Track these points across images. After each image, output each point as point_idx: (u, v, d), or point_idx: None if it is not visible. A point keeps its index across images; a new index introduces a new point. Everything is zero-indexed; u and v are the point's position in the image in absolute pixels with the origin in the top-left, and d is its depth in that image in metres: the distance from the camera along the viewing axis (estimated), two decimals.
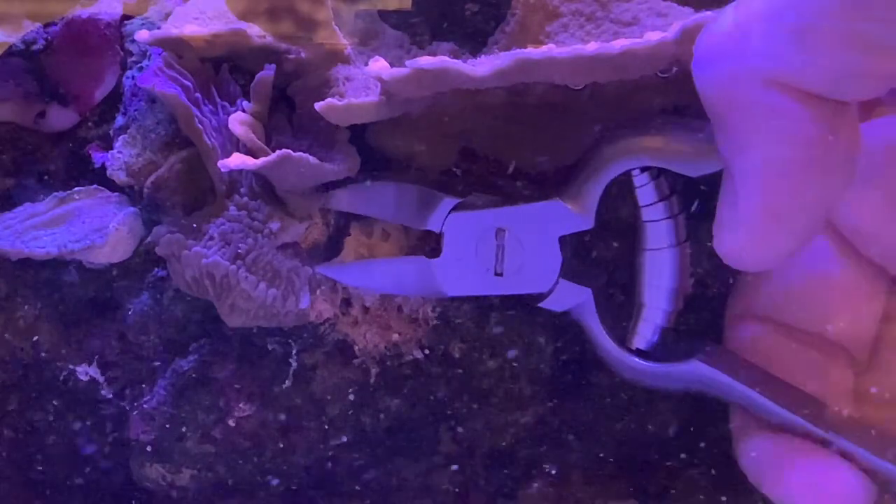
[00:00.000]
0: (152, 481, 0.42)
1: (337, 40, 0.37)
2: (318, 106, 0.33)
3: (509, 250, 0.34)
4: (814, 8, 0.23)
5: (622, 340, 0.34)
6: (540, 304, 0.35)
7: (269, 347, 0.39)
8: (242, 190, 0.37)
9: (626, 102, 0.33)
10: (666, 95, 0.33)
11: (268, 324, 0.37)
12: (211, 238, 0.36)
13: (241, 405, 0.40)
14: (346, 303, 0.38)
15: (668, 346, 0.34)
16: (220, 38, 0.36)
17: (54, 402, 0.42)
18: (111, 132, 0.39)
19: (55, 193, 0.39)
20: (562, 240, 0.34)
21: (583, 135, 0.35)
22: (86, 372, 0.41)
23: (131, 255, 0.38)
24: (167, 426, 0.40)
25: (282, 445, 0.41)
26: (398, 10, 0.38)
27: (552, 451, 0.42)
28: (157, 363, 0.41)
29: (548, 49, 0.29)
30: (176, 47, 0.36)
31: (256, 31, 0.36)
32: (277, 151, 0.33)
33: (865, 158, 0.26)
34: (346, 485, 0.43)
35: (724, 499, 0.42)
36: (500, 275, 0.35)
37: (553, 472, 0.43)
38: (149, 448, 0.41)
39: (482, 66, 0.30)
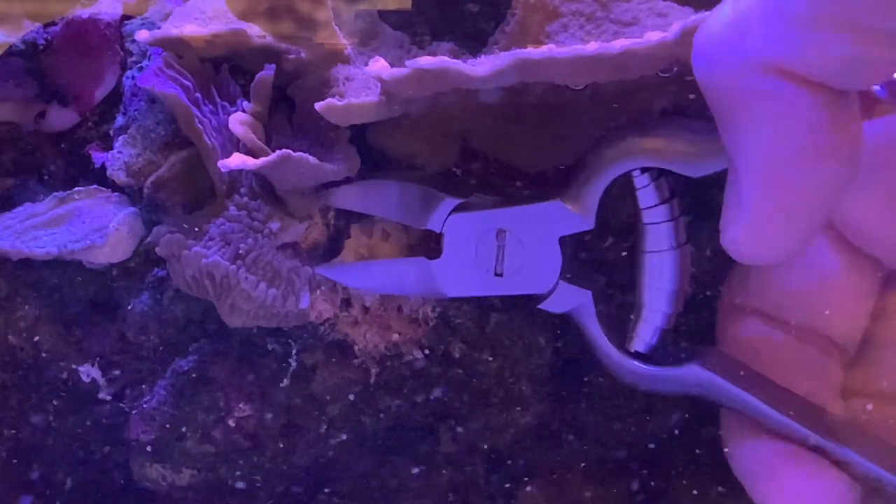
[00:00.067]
0: (152, 481, 0.42)
1: (337, 40, 0.37)
2: (318, 106, 0.33)
3: (510, 251, 0.34)
4: None
5: (621, 343, 0.34)
6: (540, 306, 0.35)
7: (269, 347, 0.39)
8: (242, 190, 0.37)
9: (626, 102, 0.33)
10: (666, 95, 0.33)
11: (268, 324, 0.37)
12: (211, 238, 0.36)
13: (241, 405, 0.40)
14: (346, 303, 0.38)
15: (667, 350, 0.34)
16: (220, 38, 0.36)
17: (54, 402, 0.42)
18: (111, 132, 0.39)
19: (55, 193, 0.39)
20: (562, 240, 0.34)
21: (583, 135, 0.35)
22: (87, 373, 0.41)
23: (131, 255, 0.38)
24: (167, 426, 0.40)
25: (282, 445, 0.41)
26: (398, 10, 0.38)
27: (552, 451, 0.42)
28: (157, 363, 0.41)
29: (548, 49, 0.29)
30: (176, 47, 0.36)
31: (256, 31, 0.36)
32: (277, 151, 0.33)
33: (865, 157, 0.26)
34: (346, 485, 0.43)
35: (723, 499, 0.42)
36: (501, 275, 0.35)
37: (553, 472, 0.43)
38: (149, 448, 0.41)
39: (482, 66, 0.30)
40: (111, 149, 0.38)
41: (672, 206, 0.32)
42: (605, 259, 0.37)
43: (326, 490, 0.43)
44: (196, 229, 0.36)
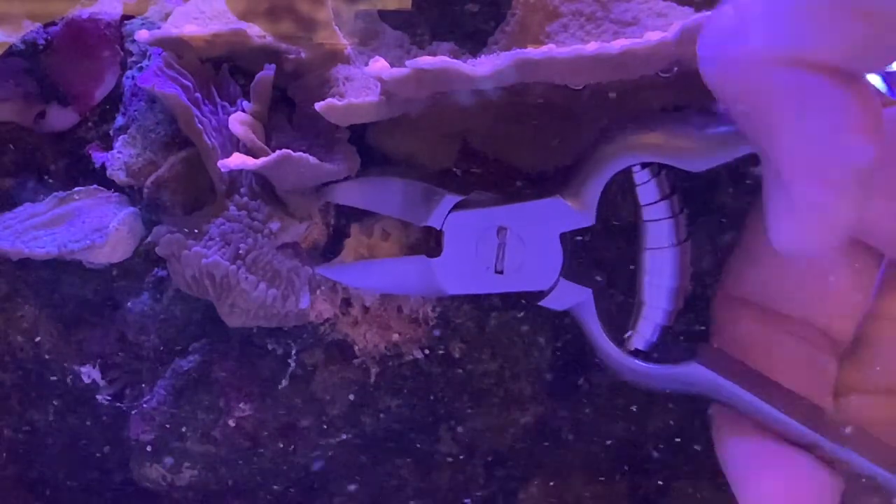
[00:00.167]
0: (152, 481, 0.42)
1: (337, 40, 0.37)
2: (318, 106, 0.33)
3: (510, 248, 0.34)
4: None
5: (621, 341, 0.34)
6: (540, 303, 0.35)
7: (269, 347, 0.39)
8: (242, 190, 0.37)
9: (626, 102, 0.33)
10: (666, 95, 0.33)
11: (268, 324, 0.37)
12: (211, 238, 0.36)
13: (241, 405, 0.40)
14: (346, 303, 0.38)
15: (667, 348, 0.34)
16: (220, 38, 0.36)
17: (54, 402, 0.42)
18: (111, 132, 0.39)
19: (55, 193, 0.39)
20: (563, 237, 0.34)
21: (583, 135, 0.35)
22: (87, 373, 0.41)
23: (131, 255, 0.38)
24: (167, 426, 0.40)
25: (282, 445, 0.41)
26: (398, 10, 0.38)
27: (552, 451, 0.42)
28: (157, 363, 0.41)
29: (548, 49, 0.29)
30: (176, 47, 0.36)
31: (256, 31, 0.36)
32: (277, 151, 0.33)
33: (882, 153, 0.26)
34: (346, 485, 0.43)
35: (722, 499, 0.42)
36: (501, 273, 0.35)
37: (553, 472, 0.43)
38: (149, 448, 0.41)
39: (482, 66, 0.30)
40: (111, 149, 0.38)
41: (672, 203, 0.32)
42: (605, 257, 0.37)
43: (326, 490, 0.43)
44: (196, 229, 0.36)
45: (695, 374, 0.32)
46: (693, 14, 0.31)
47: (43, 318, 0.41)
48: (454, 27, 0.38)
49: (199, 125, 0.36)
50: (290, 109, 0.37)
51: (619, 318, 0.34)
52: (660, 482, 0.43)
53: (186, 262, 0.36)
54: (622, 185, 0.33)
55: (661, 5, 0.34)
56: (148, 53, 0.39)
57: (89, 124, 0.40)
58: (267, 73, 0.36)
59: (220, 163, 0.34)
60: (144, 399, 0.41)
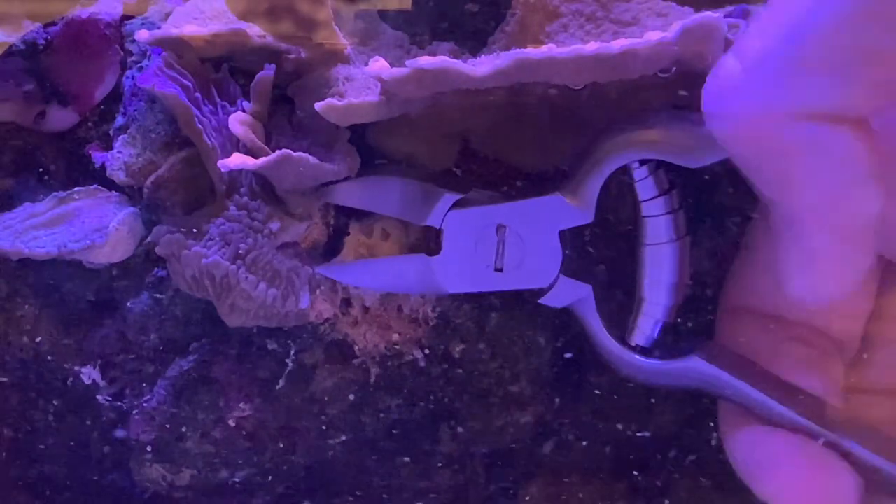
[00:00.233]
0: (152, 481, 0.42)
1: (337, 40, 0.37)
2: (318, 106, 0.33)
3: (509, 246, 0.34)
4: (818, 34, 0.24)
5: (622, 338, 0.34)
6: (540, 301, 0.35)
7: (269, 347, 0.39)
8: (242, 190, 0.37)
9: (626, 102, 0.33)
10: (666, 95, 0.33)
11: (268, 324, 0.37)
12: (211, 238, 0.36)
13: (241, 405, 0.40)
14: (346, 303, 0.38)
15: (668, 343, 0.34)
16: (220, 38, 0.36)
17: (54, 402, 0.42)
18: (111, 132, 0.39)
19: (55, 193, 0.39)
20: (562, 234, 0.34)
21: (583, 135, 0.35)
22: (87, 373, 0.41)
23: (131, 255, 0.38)
24: (167, 426, 0.40)
25: (282, 445, 0.41)
26: (398, 10, 0.38)
27: (552, 451, 0.42)
28: (157, 363, 0.41)
29: (548, 49, 0.29)
30: (176, 47, 0.36)
31: (256, 31, 0.36)
32: (277, 151, 0.33)
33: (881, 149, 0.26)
34: (346, 485, 0.43)
35: (723, 499, 0.42)
36: (501, 270, 0.35)
37: (553, 472, 0.43)
38: (149, 448, 0.41)
39: (482, 66, 0.30)
40: (111, 149, 0.38)
41: (671, 198, 0.32)
42: (604, 254, 0.37)
43: (326, 490, 0.43)
44: (196, 229, 0.36)
45: (696, 368, 0.32)
46: (693, 14, 0.31)
47: (43, 318, 0.41)
48: (454, 27, 0.38)
49: (199, 125, 0.36)
50: (290, 109, 0.37)
51: (620, 315, 0.34)
52: (660, 482, 0.43)
53: (186, 262, 0.36)
54: (621, 183, 0.33)
55: (661, 5, 0.34)
56: (148, 53, 0.39)
57: (89, 124, 0.40)
58: (267, 73, 0.36)
59: (220, 163, 0.34)
60: (144, 399, 0.41)
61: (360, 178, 0.36)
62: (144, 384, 0.41)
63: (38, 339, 0.41)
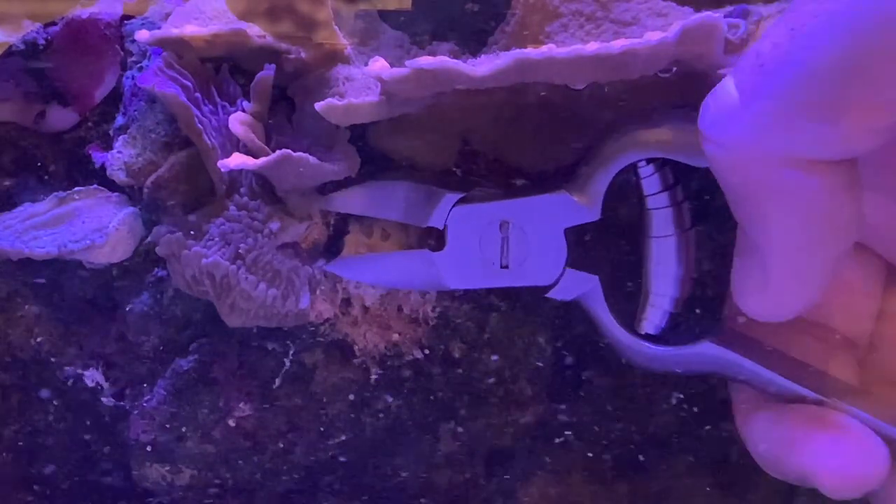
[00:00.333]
0: (152, 481, 0.42)
1: (337, 40, 0.37)
2: (318, 106, 0.33)
3: (514, 243, 0.34)
4: (815, 81, 0.24)
5: (632, 327, 0.34)
6: (547, 295, 0.35)
7: (269, 347, 0.39)
8: (242, 190, 0.37)
9: (626, 102, 0.33)
10: (666, 95, 0.33)
11: (268, 324, 0.37)
12: (211, 238, 0.36)
13: (241, 405, 0.40)
14: (346, 303, 0.38)
15: (678, 330, 0.34)
16: (220, 38, 0.36)
17: (54, 402, 0.42)
18: (111, 132, 0.39)
19: (55, 193, 0.39)
20: (567, 232, 0.34)
21: (583, 135, 0.35)
22: (87, 373, 0.41)
23: (131, 255, 0.38)
24: (167, 426, 0.40)
25: (282, 445, 0.41)
26: (398, 10, 0.38)
27: (552, 451, 0.42)
28: (157, 363, 0.41)
29: (548, 49, 0.29)
30: (176, 47, 0.36)
31: (256, 31, 0.36)
32: (277, 151, 0.33)
33: (879, 153, 0.26)
34: (346, 485, 0.43)
35: (723, 499, 0.42)
36: (506, 267, 0.35)
37: (553, 472, 0.43)
38: (149, 448, 0.41)
39: (482, 66, 0.30)
40: (111, 149, 0.38)
41: (675, 192, 0.33)
42: (609, 252, 0.37)
43: (326, 490, 0.43)
44: (196, 229, 0.36)
45: (708, 353, 0.32)
46: (693, 14, 0.31)
47: (43, 318, 0.41)
48: (454, 27, 0.38)
49: (199, 125, 0.36)
50: (290, 109, 0.37)
51: (627, 309, 0.34)
52: (660, 482, 0.43)
53: (186, 262, 0.36)
54: (626, 180, 0.33)
55: (661, 5, 0.34)
56: (148, 53, 0.39)
57: (89, 124, 0.40)
58: (267, 73, 0.36)
59: (220, 163, 0.34)
60: (144, 399, 0.41)
61: (359, 185, 0.36)
62: (144, 384, 0.41)
63: (38, 339, 0.41)
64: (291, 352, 0.39)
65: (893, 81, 0.23)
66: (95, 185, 0.39)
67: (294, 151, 0.33)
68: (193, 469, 0.41)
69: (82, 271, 0.39)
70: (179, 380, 0.40)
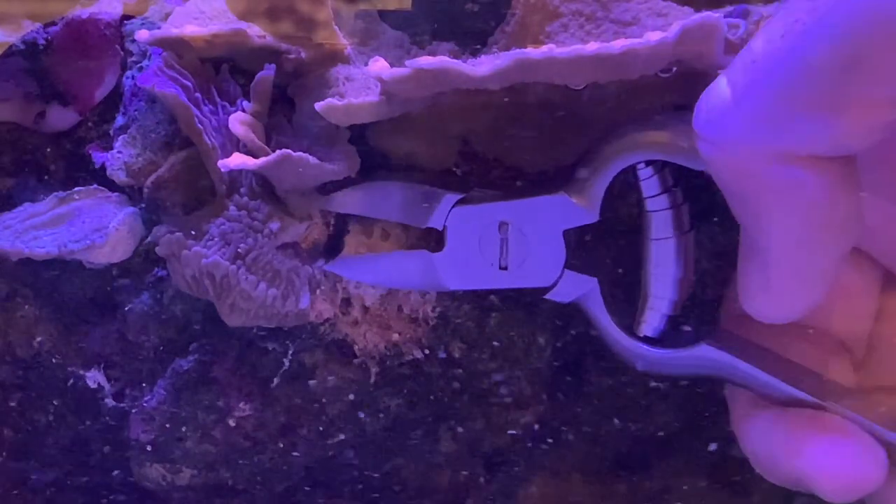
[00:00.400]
0: (152, 481, 0.42)
1: (337, 40, 0.37)
2: (318, 106, 0.33)
3: (513, 244, 0.34)
4: (809, 77, 0.24)
5: (630, 329, 0.34)
6: (546, 296, 0.35)
7: (269, 347, 0.39)
8: (242, 190, 0.37)
9: (626, 102, 0.33)
10: (666, 95, 0.33)
11: (268, 324, 0.37)
12: (211, 238, 0.36)
13: (241, 405, 0.40)
14: (346, 303, 0.38)
15: (676, 333, 0.34)
16: (220, 38, 0.36)
17: (54, 402, 0.42)
18: (111, 132, 0.39)
19: (55, 193, 0.39)
20: (566, 234, 0.34)
21: (583, 135, 0.35)
22: (87, 373, 0.41)
23: (131, 255, 0.38)
24: (167, 426, 0.40)
25: (282, 445, 0.41)
26: (398, 10, 0.38)
27: (552, 451, 0.42)
28: (157, 363, 0.41)
29: (548, 49, 0.29)
30: (176, 47, 0.36)
31: (256, 31, 0.36)
32: (277, 151, 0.33)
33: (873, 153, 0.26)
34: (346, 485, 0.43)
35: (723, 499, 0.42)
36: (505, 268, 0.35)
37: (553, 472, 0.43)
38: (149, 448, 0.41)
39: (482, 66, 0.30)
40: (111, 149, 0.38)
41: (674, 194, 0.33)
42: (608, 254, 0.37)
43: (326, 490, 0.43)
44: (196, 229, 0.36)
45: (706, 355, 0.32)
46: (693, 14, 0.31)
47: (43, 318, 0.41)
48: (454, 27, 0.38)
49: (199, 125, 0.36)
50: (290, 109, 0.37)
51: (626, 311, 0.34)
52: (660, 482, 0.43)
53: (186, 262, 0.36)
54: (625, 182, 0.33)
55: (661, 5, 0.34)
56: (148, 53, 0.39)
57: (89, 124, 0.40)
58: (267, 73, 0.36)
59: (220, 163, 0.34)
60: (144, 399, 0.41)
61: (358, 185, 0.36)
62: (144, 384, 0.41)
63: (38, 339, 0.41)
64: (291, 352, 0.39)
65: (889, 78, 0.23)
66: (95, 185, 0.39)
67: (294, 151, 0.33)
68: (193, 469, 0.41)
69: (82, 271, 0.39)
70: (179, 380, 0.40)
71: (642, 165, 0.32)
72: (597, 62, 0.29)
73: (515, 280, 0.35)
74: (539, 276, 0.34)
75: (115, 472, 0.43)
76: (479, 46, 0.37)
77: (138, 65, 0.39)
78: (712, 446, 0.41)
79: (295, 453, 0.41)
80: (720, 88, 0.26)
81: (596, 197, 0.33)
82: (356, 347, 0.39)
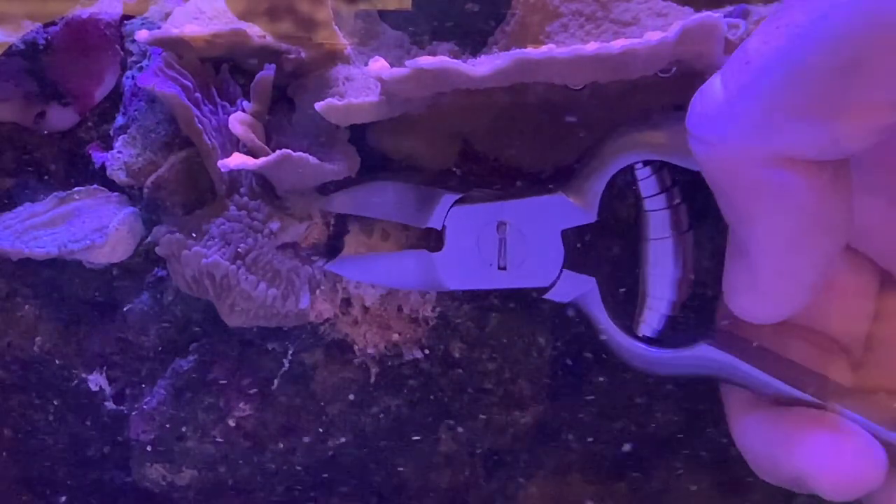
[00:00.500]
0: (152, 481, 0.42)
1: (337, 40, 0.37)
2: (318, 106, 0.33)
3: (512, 244, 0.34)
4: (801, 80, 0.24)
5: (629, 328, 0.34)
6: (545, 296, 0.35)
7: (269, 347, 0.39)
8: (242, 190, 0.37)
9: (626, 102, 0.33)
10: (666, 95, 0.33)
11: (268, 324, 0.37)
12: (211, 238, 0.36)
13: (241, 405, 0.40)
14: (346, 303, 0.38)
15: (675, 333, 0.34)
16: (220, 38, 0.36)
17: (54, 402, 0.42)
18: (111, 132, 0.39)
19: (55, 193, 0.39)
20: (564, 234, 0.34)
21: (582, 135, 0.35)
22: (87, 373, 0.41)
23: (131, 255, 0.38)
24: (167, 426, 0.40)
25: (282, 445, 0.41)
26: (398, 10, 0.38)
27: (552, 451, 0.42)
28: (157, 363, 0.41)
29: (548, 49, 0.29)
30: (176, 47, 0.36)
31: (256, 31, 0.36)
32: (277, 151, 0.33)
33: (871, 155, 0.26)
34: (346, 485, 0.43)
35: (723, 499, 0.42)
36: (504, 268, 0.35)
37: (553, 472, 0.43)
38: (149, 448, 0.41)
39: (482, 66, 0.30)
40: (111, 149, 0.38)
41: (672, 194, 0.33)
42: (606, 255, 0.37)
43: (326, 490, 0.43)
44: (196, 229, 0.37)
45: (704, 356, 0.32)
46: (693, 14, 0.31)
47: (43, 318, 0.41)
48: (454, 27, 0.38)
49: (199, 125, 0.36)
50: (290, 109, 0.37)
51: (625, 312, 0.34)
52: (660, 482, 0.43)
53: (186, 262, 0.36)
54: (623, 182, 0.33)
55: (661, 5, 0.34)
56: (148, 53, 0.39)
57: (89, 124, 0.40)
58: (267, 73, 0.36)
59: (220, 163, 0.34)
60: (144, 399, 0.41)
61: (358, 185, 0.36)
62: (144, 384, 0.41)
63: (38, 339, 0.41)
64: (291, 352, 0.39)
65: (883, 82, 0.23)
66: (95, 185, 0.39)
67: (294, 151, 0.33)
68: (193, 469, 0.41)
69: (82, 271, 0.39)
70: (179, 380, 0.40)
71: (640, 165, 0.32)
72: (596, 62, 0.29)
73: (514, 280, 0.35)
74: (538, 276, 0.34)
75: (115, 473, 0.43)
76: (479, 46, 0.37)
77: (138, 65, 0.39)
78: (712, 447, 0.41)
79: (295, 453, 0.41)
80: (714, 88, 0.26)
81: (594, 197, 0.33)
82: (356, 347, 0.39)
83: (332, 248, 0.38)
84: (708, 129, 0.26)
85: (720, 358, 0.32)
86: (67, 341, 0.41)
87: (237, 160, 0.33)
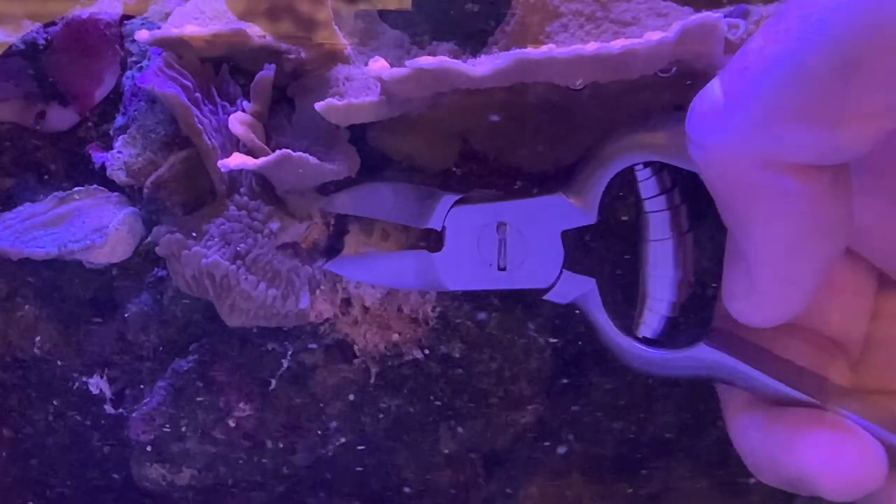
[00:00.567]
0: (152, 481, 0.42)
1: (337, 40, 0.37)
2: (318, 106, 0.33)
3: (511, 244, 0.34)
4: (801, 84, 0.24)
5: (629, 329, 0.34)
6: (544, 297, 0.35)
7: (269, 347, 0.39)
8: (242, 190, 0.37)
9: (626, 102, 0.33)
10: (666, 95, 0.33)
11: (268, 324, 0.37)
12: (211, 238, 0.36)
13: (241, 405, 0.40)
14: (346, 303, 0.38)
15: (674, 333, 0.34)
16: (220, 38, 0.36)
17: (54, 402, 0.42)
18: (111, 132, 0.39)
19: (55, 193, 0.39)
20: (564, 235, 0.34)
21: (583, 135, 0.35)
22: (87, 373, 0.41)
23: (131, 255, 0.38)
24: (167, 426, 0.40)
25: (282, 445, 0.41)
26: (398, 10, 0.39)
27: (552, 451, 0.42)
28: (157, 363, 0.41)
29: (548, 49, 0.29)
30: (176, 47, 0.36)
31: (256, 31, 0.36)
32: (277, 151, 0.33)
33: (868, 156, 0.26)
34: (346, 485, 0.43)
35: (723, 499, 0.42)
36: (504, 269, 0.35)
37: (553, 472, 0.43)
38: (149, 448, 0.41)
39: (482, 66, 0.30)
40: (111, 149, 0.38)
41: (672, 196, 0.33)
42: (606, 256, 0.37)
43: (326, 490, 0.43)
44: (196, 229, 0.37)
45: (704, 356, 0.32)
46: (693, 14, 0.31)
47: (43, 318, 0.41)
48: (454, 27, 0.38)
49: (199, 125, 0.36)
50: (290, 109, 0.38)
51: (624, 313, 0.34)
52: (660, 482, 0.43)
53: (186, 262, 0.36)
54: (623, 180, 0.33)
55: (661, 5, 0.34)
56: (148, 53, 0.39)
57: (89, 124, 0.40)
58: (267, 73, 0.36)
59: (220, 163, 0.34)
60: (144, 399, 0.41)
61: (358, 186, 0.36)
62: (144, 384, 0.41)
63: (38, 339, 0.41)
64: (291, 352, 0.39)
65: (883, 84, 0.23)
66: (95, 185, 0.39)
67: (294, 151, 0.33)
68: (193, 469, 0.41)
69: (82, 271, 0.39)
70: (179, 380, 0.40)
71: (640, 166, 0.32)
72: (596, 62, 0.29)
73: (514, 281, 0.35)
74: (537, 277, 0.34)
75: (115, 473, 0.43)
76: (479, 46, 0.37)
77: (138, 65, 0.39)
78: (712, 447, 0.41)
79: (295, 453, 0.41)
80: (713, 92, 0.26)
81: (594, 198, 0.33)
82: (356, 347, 0.39)
83: (332, 248, 0.38)
84: (706, 134, 0.26)
85: (719, 359, 0.32)
86: (67, 341, 0.41)
87: (237, 160, 0.33)
